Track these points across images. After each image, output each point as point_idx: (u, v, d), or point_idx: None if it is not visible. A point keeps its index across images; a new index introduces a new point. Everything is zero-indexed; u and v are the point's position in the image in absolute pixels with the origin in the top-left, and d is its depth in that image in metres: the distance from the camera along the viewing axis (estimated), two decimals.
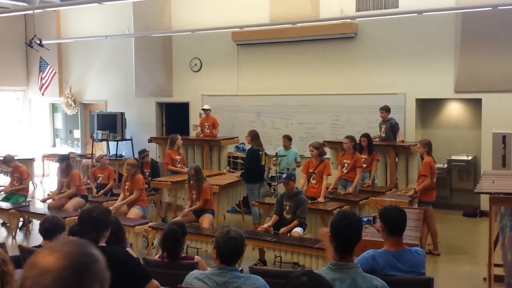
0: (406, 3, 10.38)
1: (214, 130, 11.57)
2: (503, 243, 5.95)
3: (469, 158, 10.43)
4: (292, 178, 7.11)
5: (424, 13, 9.67)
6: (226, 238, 3.36)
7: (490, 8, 9.00)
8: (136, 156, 11.74)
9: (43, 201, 9.50)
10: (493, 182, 6.24)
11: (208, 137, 11.43)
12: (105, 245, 3.55)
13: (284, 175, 7.29)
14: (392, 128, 9.97)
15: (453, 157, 10.55)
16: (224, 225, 3.60)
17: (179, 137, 10.08)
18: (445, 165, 10.49)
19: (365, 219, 3.84)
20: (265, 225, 7.18)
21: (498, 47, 9.78)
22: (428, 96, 10.68)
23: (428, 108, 11.05)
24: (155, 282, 3.57)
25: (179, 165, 9.97)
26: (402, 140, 9.84)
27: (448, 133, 10.85)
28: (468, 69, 10.10)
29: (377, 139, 10.08)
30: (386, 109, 10.04)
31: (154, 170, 10.19)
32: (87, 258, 1.54)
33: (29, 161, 13.34)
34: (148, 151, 10.58)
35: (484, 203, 9.13)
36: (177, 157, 9.99)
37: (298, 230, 6.83)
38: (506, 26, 9.70)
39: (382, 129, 10.08)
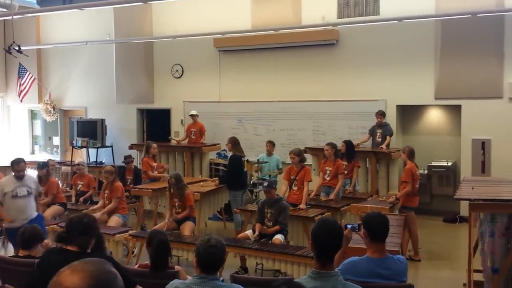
0: (387, 10, 10.47)
1: (201, 137, 11.50)
2: (483, 249, 5.99)
3: (449, 164, 10.52)
4: (273, 186, 7.11)
5: (404, 20, 9.76)
6: (207, 246, 3.32)
7: (470, 16, 9.12)
8: (116, 163, 11.64)
9: None
10: (472, 188, 6.27)
11: (194, 144, 11.36)
12: (90, 251, 3.57)
13: (265, 183, 7.28)
14: (390, 134, 10.02)
15: (433, 163, 10.64)
16: (205, 233, 3.57)
17: (154, 145, 10.02)
18: (425, 171, 10.57)
19: (349, 226, 3.84)
20: (247, 233, 7.14)
21: (477, 54, 9.91)
22: (408, 102, 10.77)
23: (409, 114, 11.13)
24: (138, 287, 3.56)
25: (155, 172, 9.91)
26: (382, 147, 9.87)
27: (428, 139, 10.94)
28: (448, 76, 10.21)
29: (361, 145, 10.11)
30: (382, 114, 10.11)
31: (136, 177, 10.11)
32: (109, 275, 1.61)
33: (7, 169, 13.09)
34: (134, 158, 10.52)
35: (464, 209, 9.20)
36: (154, 164, 9.93)
37: (279, 237, 6.81)
38: (485, 33, 9.82)
39: (378, 134, 10.10)
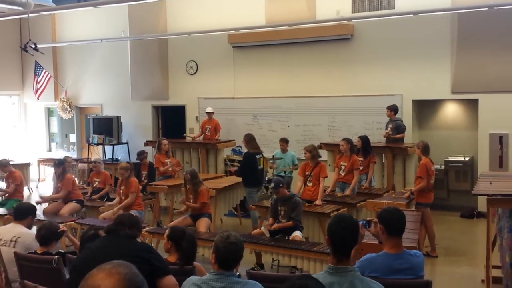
0: (402, 4, 10.38)
1: (216, 134, 11.53)
2: (501, 244, 5.94)
3: (466, 159, 10.41)
4: (281, 185, 6.97)
5: (420, 14, 9.66)
6: (226, 243, 3.32)
7: (486, 9, 9.00)
8: (132, 160, 11.71)
9: (38, 203, 9.49)
10: (490, 183, 6.21)
11: (209, 140, 11.40)
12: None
13: (272, 184, 7.18)
14: (397, 129, 9.94)
15: (450, 158, 10.54)
16: (224, 230, 3.57)
17: (165, 141, 10.05)
18: (442, 166, 10.47)
19: (360, 223, 3.81)
20: (262, 229, 7.12)
21: (494, 48, 9.78)
22: (424, 97, 10.67)
23: (425, 109, 11.03)
24: (172, 278, 3.71)
25: (170, 169, 9.93)
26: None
27: (445, 134, 10.84)
28: (464, 70, 10.09)
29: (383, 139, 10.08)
30: (391, 109, 10.02)
31: (151, 172, 10.17)
32: (139, 278, 1.72)
33: (24, 166, 13.27)
34: (147, 153, 10.59)
35: (482, 204, 9.11)
36: (166, 160, 9.95)
37: (298, 234, 6.79)
38: (502, 26, 9.69)
39: (389, 128, 10.04)
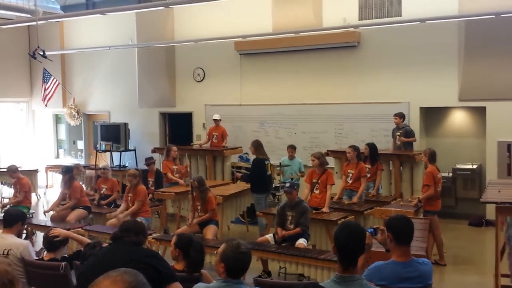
0: (409, 12, 10.38)
1: (223, 141, 11.55)
2: (510, 253, 5.89)
3: (474, 166, 10.36)
4: (295, 187, 7.10)
5: (427, 22, 9.65)
6: (237, 253, 3.29)
7: (493, 16, 8.98)
8: (139, 167, 11.72)
9: (46, 212, 9.50)
10: (499, 191, 6.18)
11: (216, 147, 11.41)
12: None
13: (287, 184, 7.26)
14: (407, 136, 9.91)
15: (458, 166, 10.49)
16: (232, 238, 3.54)
17: (174, 147, 10.07)
18: (450, 174, 10.42)
19: (368, 231, 3.79)
20: (267, 236, 7.10)
21: (502, 55, 9.75)
22: (432, 104, 10.64)
23: (432, 116, 11.00)
24: (179, 284, 3.69)
25: (177, 175, 9.94)
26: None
27: (452, 142, 10.79)
28: (472, 77, 10.06)
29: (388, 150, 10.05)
30: (400, 116, 10.01)
31: (158, 179, 10.17)
32: (146, 286, 1.73)
33: (32, 173, 13.31)
34: (155, 160, 10.60)
35: (490, 212, 9.04)
36: (173, 167, 9.96)
37: (302, 242, 6.77)
38: (509, 33, 9.67)
39: (397, 137, 10.02)
